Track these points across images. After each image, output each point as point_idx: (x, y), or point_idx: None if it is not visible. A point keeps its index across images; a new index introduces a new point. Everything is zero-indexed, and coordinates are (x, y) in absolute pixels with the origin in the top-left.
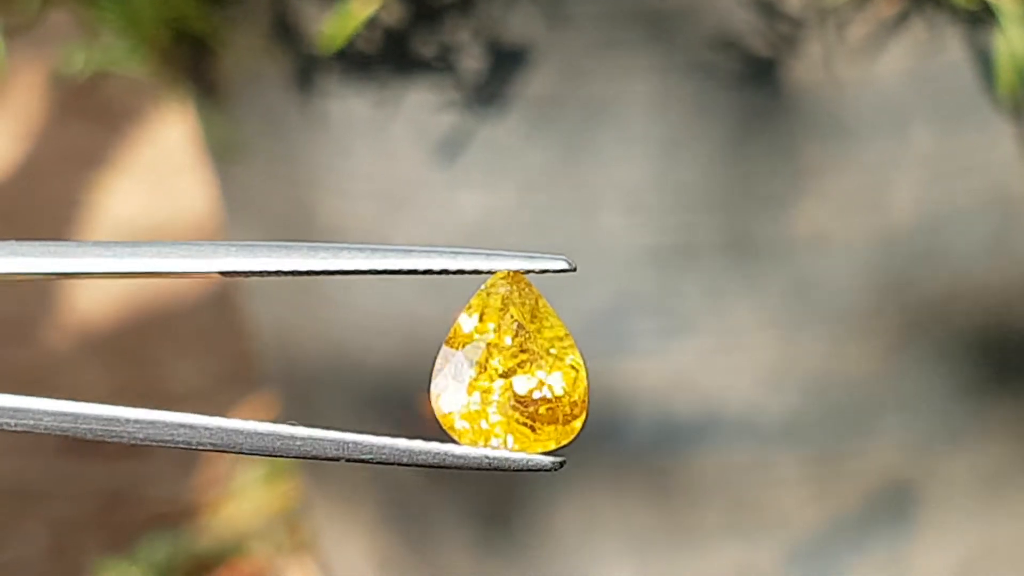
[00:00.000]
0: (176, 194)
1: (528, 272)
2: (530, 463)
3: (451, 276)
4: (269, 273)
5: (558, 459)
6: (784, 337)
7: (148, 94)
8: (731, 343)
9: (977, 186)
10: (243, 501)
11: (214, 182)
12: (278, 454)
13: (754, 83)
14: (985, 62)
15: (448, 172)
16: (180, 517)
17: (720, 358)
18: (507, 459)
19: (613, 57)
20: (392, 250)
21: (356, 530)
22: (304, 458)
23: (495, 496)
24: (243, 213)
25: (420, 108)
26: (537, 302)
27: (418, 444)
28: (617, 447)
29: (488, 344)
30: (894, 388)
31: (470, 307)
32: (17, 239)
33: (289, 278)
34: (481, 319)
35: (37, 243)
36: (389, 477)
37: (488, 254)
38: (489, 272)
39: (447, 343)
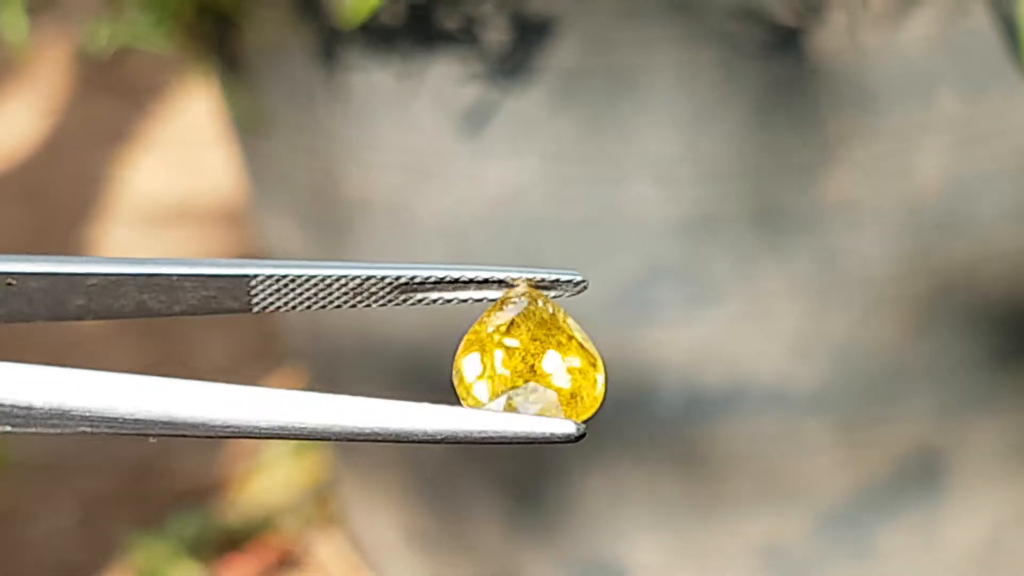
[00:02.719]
0: (201, 169)
1: (541, 282)
2: (552, 432)
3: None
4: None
5: (580, 426)
6: (812, 305)
7: (172, 69)
8: (759, 312)
9: (1003, 151)
10: (272, 475)
11: (239, 156)
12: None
13: (779, 52)
14: (1009, 27)
15: (473, 144)
16: (209, 492)
17: (748, 327)
18: (528, 428)
19: (638, 28)
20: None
21: (385, 504)
22: (328, 437)
23: (523, 469)
24: (268, 187)
25: (444, 80)
26: (555, 313)
27: (441, 408)
28: (645, 418)
29: (505, 343)
30: (922, 355)
31: (486, 315)
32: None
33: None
34: (498, 322)
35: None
36: (418, 451)
37: (501, 267)
38: (502, 283)
39: (465, 340)
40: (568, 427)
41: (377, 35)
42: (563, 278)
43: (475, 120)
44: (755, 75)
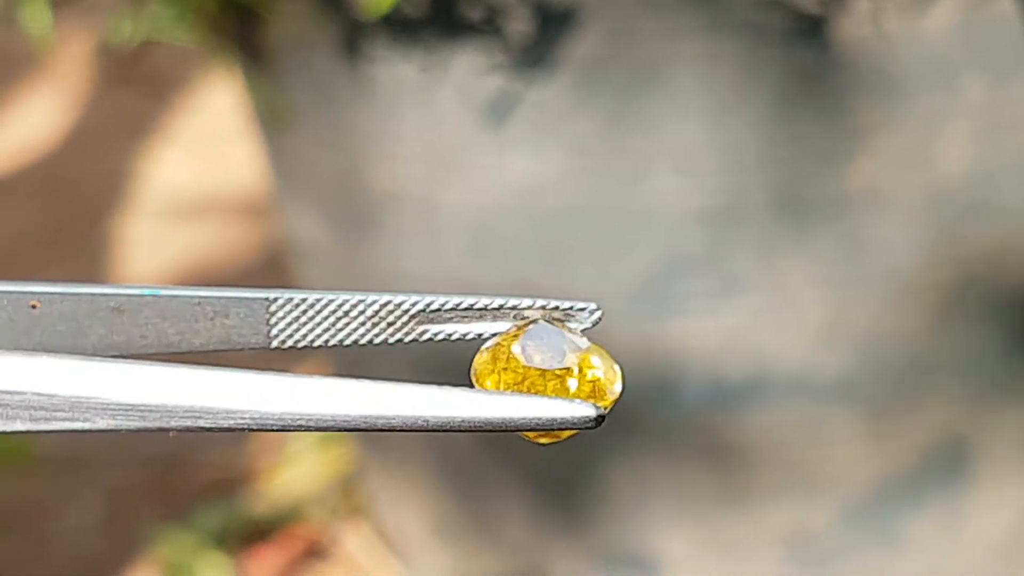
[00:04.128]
0: (225, 162)
1: (555, 309)
2: (573, 415)
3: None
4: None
5: (600, 409)
6: (836, 295)
7: (195, 62)
8: (783, 302)
9: None
10: (298, 467)
11: (263, 150)
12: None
13: (803, 41)
14: None
15: (496, 135)
16: (235, 484)
17: (772, 317)
18: (548, 411)
19: (661, 18)
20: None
21: (412, 495)
22: (347, 428)
23: (551, 461)
24: (292, 180)
25: (467, 72)
26: (574, 336)
27: (458, 392)
28: (669, 409)
29: (518, 367)
30: (947, 344)
31: (505, 337)
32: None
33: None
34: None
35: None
36: (444, 441)
37: (516, 296)
38: (516, 308)
39: (490, 349)
40: (588, 410)
41: (400, 27)
42: (578, 306)
43: (498, 111)
44: (779, 64)
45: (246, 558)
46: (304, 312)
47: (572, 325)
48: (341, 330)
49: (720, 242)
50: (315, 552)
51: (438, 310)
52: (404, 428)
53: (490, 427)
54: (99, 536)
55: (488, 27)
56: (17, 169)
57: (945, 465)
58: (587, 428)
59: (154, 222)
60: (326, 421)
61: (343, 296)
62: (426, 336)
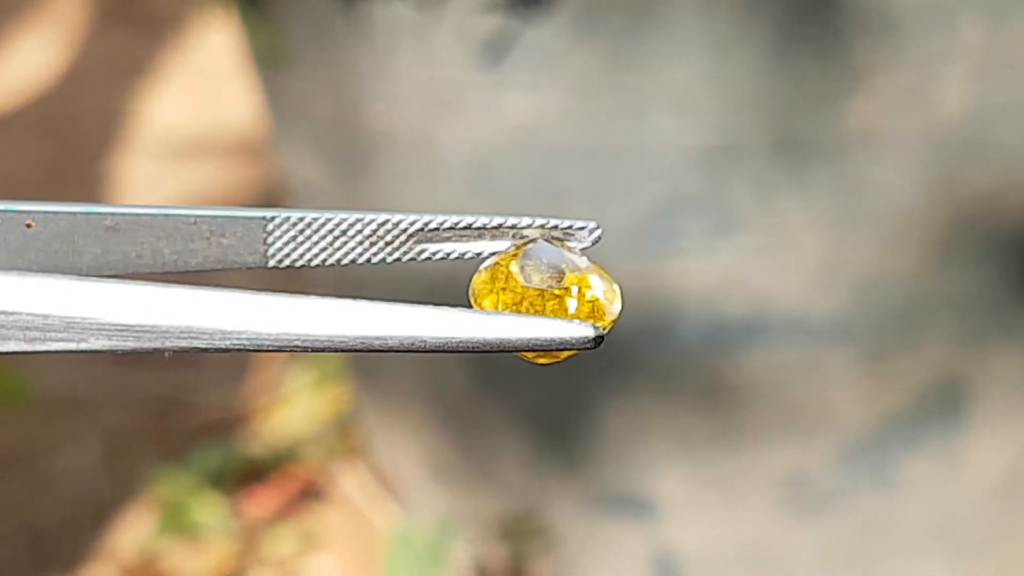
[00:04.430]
0: (221, 102)
1: (554, 229)
2: (571, 335)
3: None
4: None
5: (599, 329)
6: (834, 235)
7: (192, 1)
8: (781, 242)
9: None
10: (294, 407)
11: (259, 89)
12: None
13: None
14: None
15: (494, 75)
16: (232, 424)
17: (770, 257)
18: (546, 331)
19: None
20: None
21: (408, 435)
22: (342, 348)
23: (547, 401)
24: (289, 120)
25: (465, 10)
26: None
27: (455, 312)
28: (666, 349)
29: (516, 287)
30: (945, 284)
31: (504, 256)
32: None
33: (338, 187)
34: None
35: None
36: (441, 381)
37: (515, 216)
38: (515, 227)
39: (488, 268)
40: (586, 330)
41: None
42: (577, 225)
43: (496, 51)
44: (778, 3)
45: (243, 498)
46: (301, 231)
47: (571, 244)
48: (339, 249)
49: (718, 182)
50: (311, 492)
51: (436, 229)
52: (401, 349)
53: (488, 347)
54: (96, 476)
55: None
56: (14, 108)
57: (942, 406)
58: (586, 348)
59: (150, 161)
60: (322, 341)
61: (340, 215)
62: (424, 255)
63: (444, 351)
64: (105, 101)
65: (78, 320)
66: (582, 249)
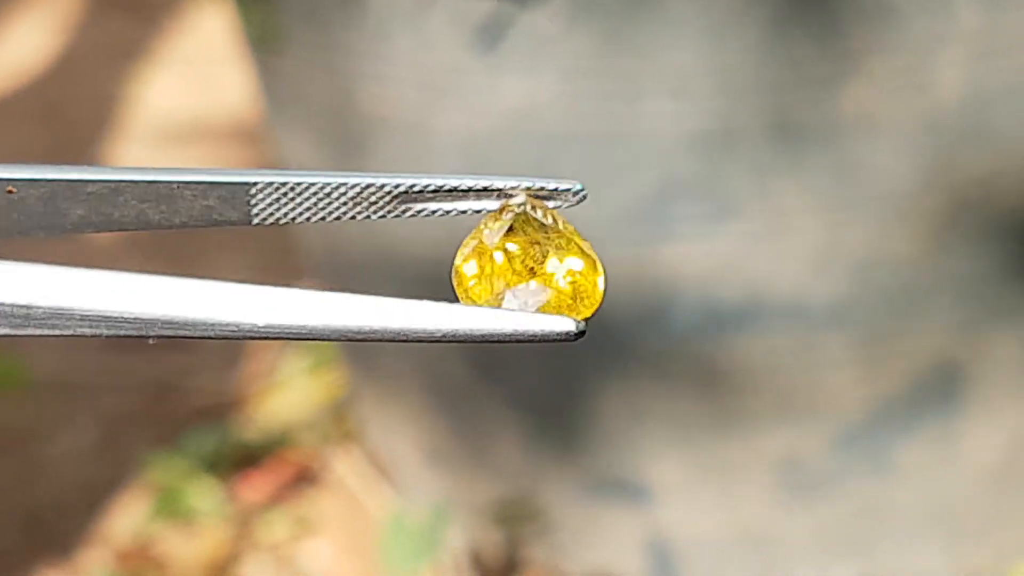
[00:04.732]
0: (216, 86)
1: (540, 191)
2: (552, 329)
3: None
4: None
5: (580, 323)
6: (830, 220)
7: None
8: (777, 227)
9: (1022, 63)
10: (289, 392)
11: (254, 73)
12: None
13: None
14: None
15: (489, 59)
16: (227, 409)
17: (766, 242)
18: (528, 326)
19: None
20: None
21: (403, 421)
22: (332, 337)
23: (542, 386)
24: (283, 103)
25: None
26: (555, 219)
27: (440, 306)
28: (662, 334)
29: (505, 247)
30: (941, 269)
31: (485, 222)
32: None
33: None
34: (497, 229)
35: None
36: (436, 366)
37: (501, 176)
38: (502, 191)
39: (463, 245)
40: (568, 324)
41: None
42: (563, 187)
43: (491, 35)
44: None
45: (237, 483)
46: (285, 195)
47: (554, 204)
48: (323, 209)
49: (714, 166)
50: (306, 477)
51: (421, 191)
52: (385, 339)
53: (471, 340)
54: (91, 461)
55: None
56: (8, 93)
57: (938, 390)
58: (568, 341)
59: (145, 146)
60: (305, 332)
61: (324, 179)
62: (409, 214)
63: (428, 342)
64: (99, 86)
65: (62, 310)
66: (567, 207)
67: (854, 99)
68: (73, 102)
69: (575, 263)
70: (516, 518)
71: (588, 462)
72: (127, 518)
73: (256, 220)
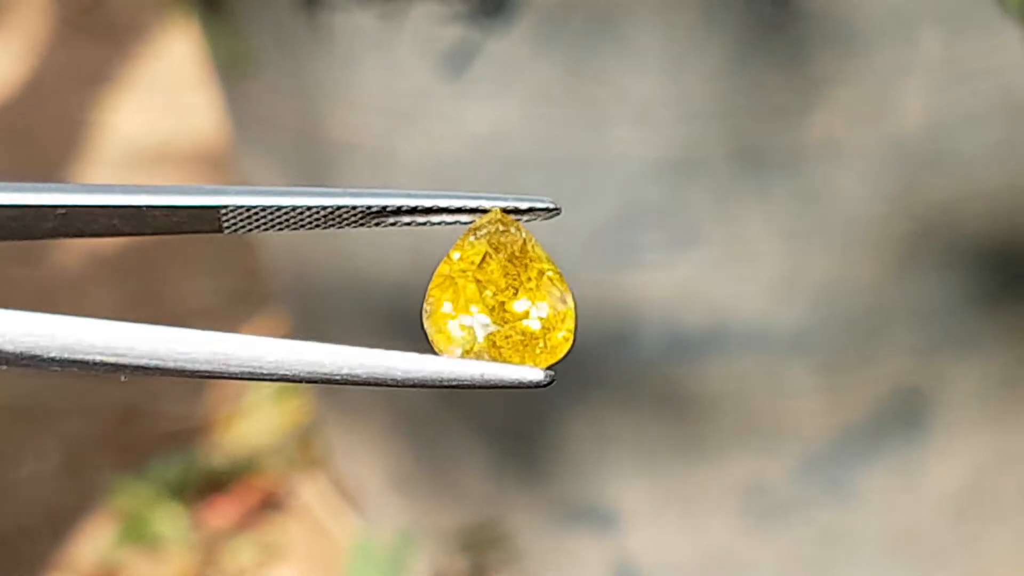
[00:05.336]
0: (183, 111)
1: (514, 211)
2: (521, 378)
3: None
4: (269, 217)
5: (549, 373)
6: (793, 246)
7: (153, 9)
8: (740, 253)
9: (986, 91)
10: (255, 418)
11: (221, 98)
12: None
13: None
14: None
15: (455, 85)
16: (193, 434)
17: (729, 268)
18: (498, 375)
19: None
20: (379, 192)
21: (369, 447)
22: (295, 379)
23: (508, 413)
24: (251, 129)
25: (426, 21)
26: (525, 243)
27: (412, 357)
28: (627, 360)
29: (476, 278)
30: (904, 296)
31: (458, 246)
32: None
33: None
34: (470, 256)
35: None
36: (403, 394)
37: (474, 195)
38: (475, 211)
39: (437, 274)
40: (536, 375)
41: None
42: (536, 205)
43: (457, 61)
44: (737, 14)
45: (203, 509)
46: (256, 214)
47: (526, 220)
48: (292, 225)
49: (677, 193)
50: (272, 503)
51: (396, 210)
52: (359, 383)
53: (438, 386)
54: (56, 485)
55: None
56: None
57: (901, 417)
58: (537, 388)
59: (113, 170)
60: (276, 376)
61: (294, 200)
62: (383, 226)
63: (395, 387)
64: (67, 110)
65: (33, 355)
66: (540, 220)
67: (817, 126)
68: (41, 126)
69: (543, 308)
70: (482, 544)
71: (554, 488)
72: (92, 543)
73: (227, 231)
